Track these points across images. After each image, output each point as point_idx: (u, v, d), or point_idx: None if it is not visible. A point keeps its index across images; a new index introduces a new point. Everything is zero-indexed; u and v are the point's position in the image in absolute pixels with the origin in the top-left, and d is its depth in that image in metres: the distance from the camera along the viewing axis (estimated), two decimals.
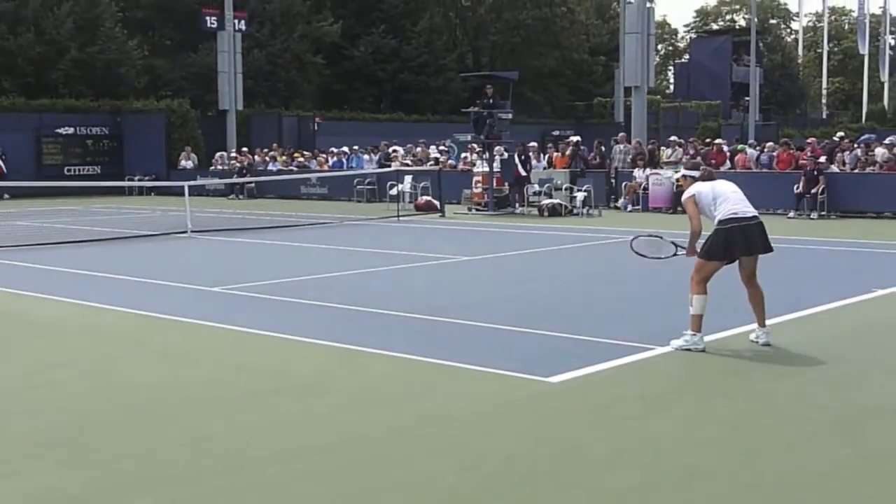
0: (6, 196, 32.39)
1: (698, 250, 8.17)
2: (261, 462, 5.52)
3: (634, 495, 5.00)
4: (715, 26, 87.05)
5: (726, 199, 8.21)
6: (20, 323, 10.02)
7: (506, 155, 25.30)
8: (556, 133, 34.35)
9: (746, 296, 8.33)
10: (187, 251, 16.96)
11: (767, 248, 8.25)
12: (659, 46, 71.50)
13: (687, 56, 77.64)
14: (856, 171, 24.54)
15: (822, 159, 24.39)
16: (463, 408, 6.62)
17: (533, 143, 29.72)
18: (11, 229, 20.86)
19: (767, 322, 8.30)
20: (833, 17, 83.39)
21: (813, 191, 23.00)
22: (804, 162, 24.27)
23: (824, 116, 71.68)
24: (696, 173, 8.65)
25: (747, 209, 8.18)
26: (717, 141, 30.22)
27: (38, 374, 7.77)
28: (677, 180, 8.76)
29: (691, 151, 27.38)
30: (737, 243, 8.05)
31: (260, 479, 5.25)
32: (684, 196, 8.51)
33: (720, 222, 8.07)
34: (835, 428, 6.15)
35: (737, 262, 8.22)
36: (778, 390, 7.06)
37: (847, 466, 5.41)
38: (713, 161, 26.47)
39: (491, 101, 25.03)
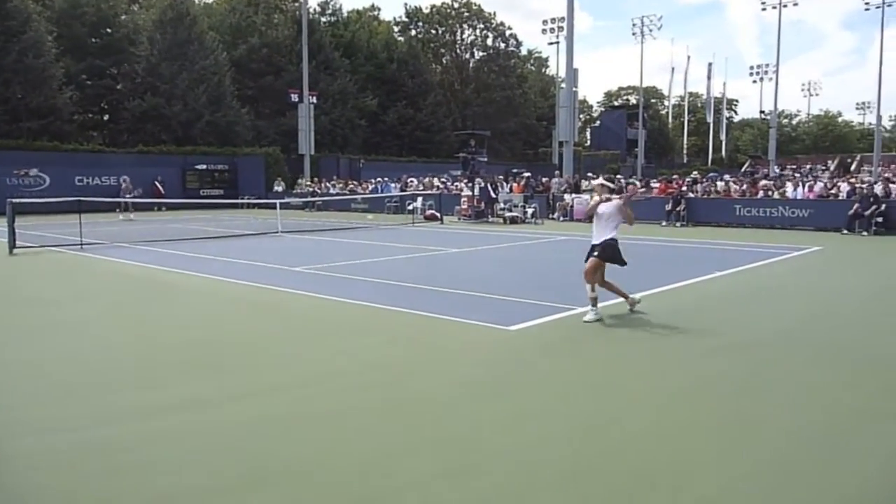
0: (163, 208, 32.31)
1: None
2: (332, 375, 5.54)
3: (564, 396, 5.02)
4: (616, 103, 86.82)
5: (598, 226, 7.84)
6: (173, 289, 10.06)
7: (483, 184, 25.33)
8: (515, 170, 34.18)
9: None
10: (279, 244, 16.99)
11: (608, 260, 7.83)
12: (580, 115, 71.35)
13: (598, 122, 77.46)
14: (705, 196, 24.60)
15: (684, 188, 24.46)
16: (453, 345, 6.64)
17: (500, 177, 29.72)
18: (166, 230, 20.84)
19: (648, 291, 8.25)
20: (691, 98, 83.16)
21: (678, 208, 23.06)
22: (672, 190, 24.32)
23: (685, 161, 71.60)
24: (612, 185, 8.26)
25: (603, 236, 7.78)
26: (617, 176, 30.22)
27: (184, 321, 7.79)
28: (599, 184, 8.12)
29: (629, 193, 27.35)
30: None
31: (335, 388, 5.27)
32: (595, 202, 7.91)
33: (611, 239, 7.76)
34: (689, 359, 6.18)
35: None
36: (651, 335, 7.09)
37: (695, 382, 5.43)
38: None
39: (473, 149, 25.05)
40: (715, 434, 4.37)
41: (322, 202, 33.12)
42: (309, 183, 36.65)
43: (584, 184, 28.33)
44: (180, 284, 10.37)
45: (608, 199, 7.96)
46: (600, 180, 8.50)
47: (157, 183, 32.15)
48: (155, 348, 6.51)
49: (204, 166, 37.32)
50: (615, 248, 7.83)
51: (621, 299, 8.22)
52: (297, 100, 39.79)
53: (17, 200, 16.22)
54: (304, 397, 5.08)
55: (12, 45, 34.40)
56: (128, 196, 28.04)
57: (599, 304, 7.75)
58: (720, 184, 25.52)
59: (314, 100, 40.90)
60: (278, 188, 36.47)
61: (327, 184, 36.20)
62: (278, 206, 22.18)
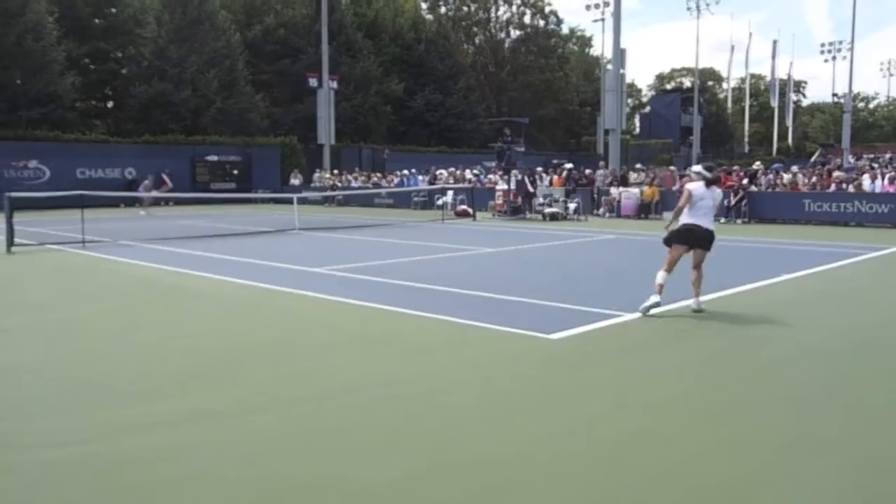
0: (171, 202, 32.75)
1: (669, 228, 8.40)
2: (352, 388, 5.51)
3: (607, 415, 4.93)
4: (668, 87, 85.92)
5: (701, 208, 8.20)
6: (181, 291, 10.13)
7: (519, 176, 25.22)
8: (556, 161, 34.00)
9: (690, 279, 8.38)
10: (295, 242, 17.07)
11: (707, 248, 8.32)
12: (628, 100, 70.79)
13: (648, 107, 76.79)
14: (769, 189, 24.19)
15: (745, 181, 24.08)
16: (487, 355, 6.57)
17: (539, 168, 29.57)
18: (175, 227, 21.11)
19: (710, 296, 8.23)
20: (753, 80, 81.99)
21: (739, 203, 22.71)
22: (732, 183, 23.95)
23: (746, 151, 70.60)
24: (708, 175, 8.40)
25: (707, 224, 8.21)
26: (671, 168, 29.91)
27: (191, 327, 7.83)
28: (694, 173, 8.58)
29: (651, 175, 27.09)
30: (687, 238, 8.23)
31: (355, 402, 5.24)
32: (686, 185, 8.41)
33: (686, 223, 8.19)
34: (754, 371, 6.04)
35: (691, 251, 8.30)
36: (714, 344, 6.95)
37: (765, 396, 5.31)
38: (666, 182, 26.23)
39: (509, 138, 24.96)
40: (781, 452, 4.24)
41: (343, 197, 33.28)
42: (329, 175, 36.84)
43: (633, 176, 28.07)
44: (189, 287, 10.44)
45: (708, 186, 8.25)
46: (697, 168, 8.68)
47: (164, 176, 32.62)
48: (159, 357, 6.55)
49: (215, 157, 37.72)
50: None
51: (685, 303, 8.29)
52: (316, 85, 39.99)
53: (15, 194, 16.56)
54: (321, 412, 5.06)
55: (11, 27, 35.16)
56: (145, 192, 28.54)
57: (660, 308, 7.93)
58: (787, 176, 25.06)
59: (335, 85, 41.06)
60: (295, 181, 36.72)
61: (349, 176, 36.36)
62: (295, 200, 22.29)
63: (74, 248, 15.46)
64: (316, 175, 37.62)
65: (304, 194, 30.77)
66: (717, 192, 8.38)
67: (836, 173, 24.87)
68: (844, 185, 23.04)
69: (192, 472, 4.08)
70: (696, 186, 8.22)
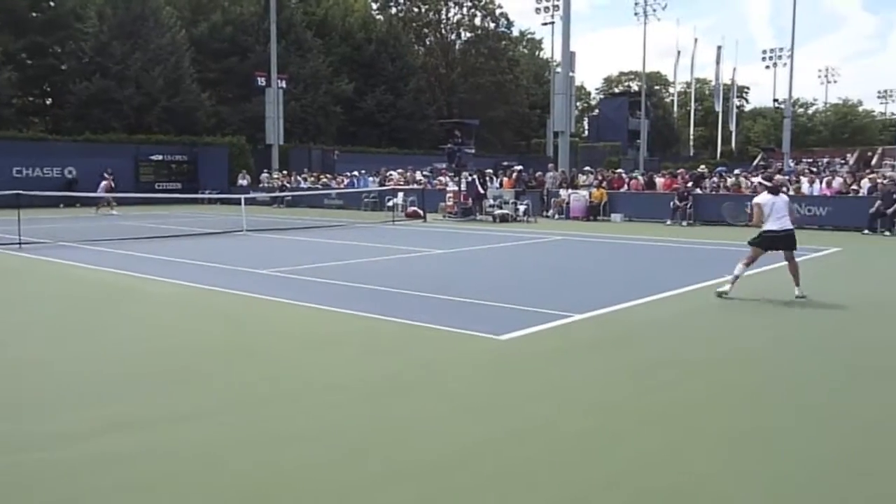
0: (114, 203, 31.95)
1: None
2: (300, 392, 5.45)
3: (554, 417, 4.97)
4: (616, 90, 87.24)
5: (775, 213, 9.14)
6: (124, 294, 9.90)
7: (470, 178, 25.30)
8: (506, 163, 34.23)
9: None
10: (242, 244, 16.85)
11: (792, 247, 9.34)
12: (577, 103, 71.60)
13: (597, 110, 77.86)
14: (713, 192, 24.72)
15: (690, 184, 24.58)
16: (438, 356, 6.58)
17: (489, 171, 29.69)
18: (118, 228, 20.64)
19: (655, 296, 8.35)
20: (698, 85, 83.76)
21: (683, 205, 23.17)
22: (677, 186, 24.43)
23: (691, 154, 72.06)
24: (769, 184, 9.51)
25: (785, 225, 9.19)
26: (618, 171, 30.36)
27: (135, 330, 7.66)
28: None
29: (600, 177, 27.48)
30: (769, 244, 9.31)
31: (302, 407, 5.17)
32: (754, 200, 9.37)
33: (766, 230, 9.19)
34: (699, 371, 6.16)
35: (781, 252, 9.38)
36: (661, 345, 7.07)
37: (710, 397, 5.41)
38: (615, 184, 26.64)
39: (459, 140, 25.04)
40: (728, 453, 4.34)
41: (292, 198, 32.95)
42: (278, 176, 36.48)
43: (581, 178, 28.41)
44: (133, 289, 10.21)
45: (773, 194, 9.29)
46: (759, 179, 9.85)
47: (106, 175, 31.78)
48: (100, 361, 6.38)
49: (160, 157, 37.00)
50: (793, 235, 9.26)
51: (631, 304, 8.25)
52: (264, 84, 39.58)
53: None
54: (268, 417, 4.99)
55: None
56: (103, 192, 27.74)
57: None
58: (730, 179, 25.67)
59: (283, 84, 40.67)
60: (243, 182, 36.28)
61: (298, 177, 36.06)
62: (243, 201, 21.99)
63: (10, 249, 14.99)
64: (264, 175, 37.26)
65: (253, 195, 30.45)
66: (782, 196, 9.38)
67: (776, 177, 25.55)
68: (785, 189, 23.69)
69: (129, 480, 3.98)
70: (763, 199, 9.18)
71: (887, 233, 19.61)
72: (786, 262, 9.43)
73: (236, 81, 46.53)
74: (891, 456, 4.38)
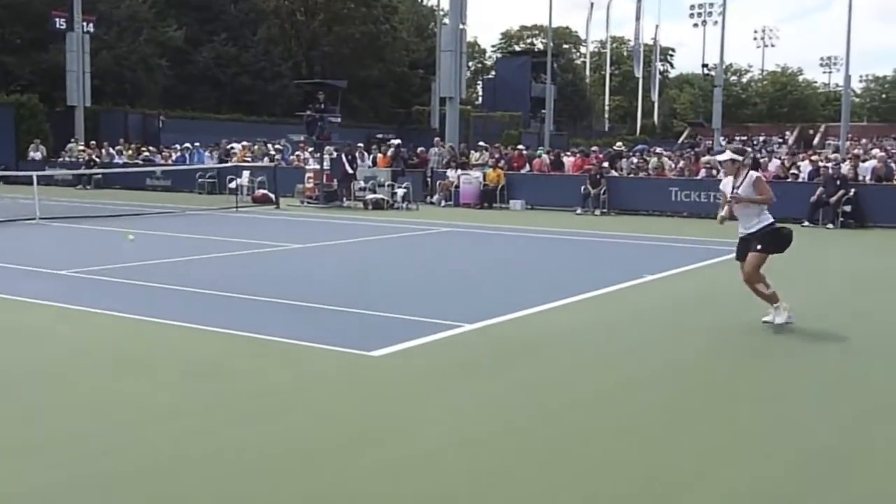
0: None
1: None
2: (110, 428, 5.28)
3: (433, 453, 5.03)
4: (517, 48, 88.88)
5: (742, 212, 8.62)
6: None
7: (335, 154, 25.21)
8: (380, 136, 34.34)
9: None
10: (35, 236, 16.17)
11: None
12: (469, 63, 72.27)
13: (493, 73, 79.01)
14: (631, 175, 25.61)
15: (605, 165, 25.36)
16: (291, 379, 6.53)
17: (359, 145, 29.67)
18: None
19: (561, 301, 8.55)
20: (615, 45, 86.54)
21: (596, 191, 23.87)
22: (590, 167, 25.17)
23: (607, 129, 74.42)
24: (740, 158, 8.95)
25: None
26: (519, 147, 30.99)
27: None
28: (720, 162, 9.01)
29: (496, 155, 27.95)
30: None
31: (111, 446, 5.01)
32: (756, 176, 8.64)
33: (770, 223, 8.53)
34: (609, 391, 6.38)
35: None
36: (564, 361, 7.27)
37: (620, 423, 5.61)
38: (515, 164, 27.17)
39: (322, 105, 24.89)
40: (637, 483, 4.53)
41: (102, 176, 31.89)
42: (83, 148, 35.30)
43: (474, 156, 28.80)
44: None
45: (743, 175, 8.57)
46: (728, 154, 9.06)
47: None
48: None
49: None
50: (777, 232, 8.52)
51: (533, 311, 8.41)
52: (64, 27, 38.32)
53: None
54: (65, 462, 4.81)
55: None
56: None
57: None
58: (652, 159, 26.64)
59: (90, 27, 39.44)
60: (36, 155, 35.11)
61: (111, 150, 35.01)
62: (35, 180, 21.12)
63: None
64: (67, 147, 35.98)
65: (49, 172, 29.28)
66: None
67: (705, 157, 26.73)
68: (715, 172, 24.82)
69: None
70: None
71: (830, 225, 20.73)
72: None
73: (26, 22, 44.64)
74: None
